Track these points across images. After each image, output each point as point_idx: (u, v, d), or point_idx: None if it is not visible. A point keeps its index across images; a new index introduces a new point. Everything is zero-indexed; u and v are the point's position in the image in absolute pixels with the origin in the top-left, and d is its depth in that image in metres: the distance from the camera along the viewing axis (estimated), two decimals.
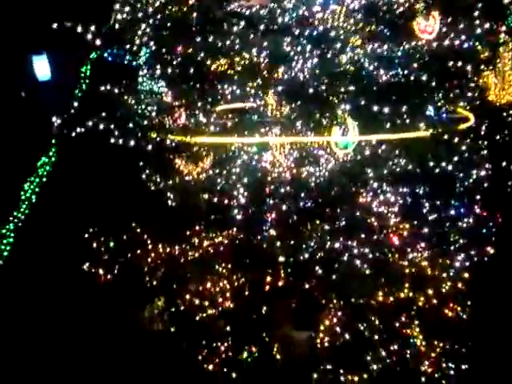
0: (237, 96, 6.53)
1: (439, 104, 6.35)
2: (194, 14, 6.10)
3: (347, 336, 6.67)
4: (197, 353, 6.86)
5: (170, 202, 6.95)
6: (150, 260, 7.02)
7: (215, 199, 6.76)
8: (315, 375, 6.69)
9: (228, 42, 6.10)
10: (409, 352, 6.67)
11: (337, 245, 6.68)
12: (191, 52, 6.21)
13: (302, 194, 6.68)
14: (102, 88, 6.56)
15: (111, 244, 7.04)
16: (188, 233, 6.93)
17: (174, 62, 6.35)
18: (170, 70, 6.39)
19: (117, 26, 6.44)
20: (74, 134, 6.56)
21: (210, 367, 6.80)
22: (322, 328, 6.80)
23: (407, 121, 6.32)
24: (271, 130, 6.60)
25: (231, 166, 6.75)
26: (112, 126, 6.48)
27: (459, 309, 6.74)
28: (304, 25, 6.13)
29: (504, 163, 7.08)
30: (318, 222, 6.73)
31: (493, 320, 7.05)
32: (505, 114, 7.17)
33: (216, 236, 6.93)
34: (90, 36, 6.29)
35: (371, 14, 6.34)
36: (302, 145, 6.75)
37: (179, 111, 6.58)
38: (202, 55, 6.20)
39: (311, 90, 6.23)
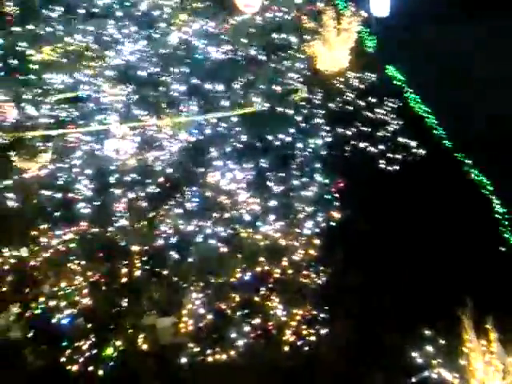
0: (69, 85, 6.33)
1: (271, 78, 6.44)
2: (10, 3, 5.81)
3: (210, 316, 6.67)
4: (59, 355, 6.61)
5: (10, 202, 6.63)
6: None
7: (59, 195, 6.52)
8: (183, 359, 6.63)
9: (49, 29, 5.87)
10: (271, 324, 6.76)
11: (190, 227, 6.66)
12: (10, 42, 5.91)
13: (149, 180, 6.59)
14: None
15: None
16: (34, 233, 6.64)
17: None
18: None
19: None
20: None
21: (75, 368, 6.57)
22: (184, 312, 6.76)
23: (243, 97, 6.37)
24: (109, 117, 6.45)
25: (71, 158, 6.53)
26: None
27: (313, 275, 6.90)
28: (126, 6, 5.99)
29: (340, 129, 7.29)
30: (168, 206, 6.67)
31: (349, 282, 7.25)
32: (335, 81, 7.33)
33: (65, 233, 6.69)
34: None
35: None
36: (144, 130, 6.63)
37: (7, 106, 6.27)
38: (22, 45, 5.92)
39: (143, 73, 6.14)
